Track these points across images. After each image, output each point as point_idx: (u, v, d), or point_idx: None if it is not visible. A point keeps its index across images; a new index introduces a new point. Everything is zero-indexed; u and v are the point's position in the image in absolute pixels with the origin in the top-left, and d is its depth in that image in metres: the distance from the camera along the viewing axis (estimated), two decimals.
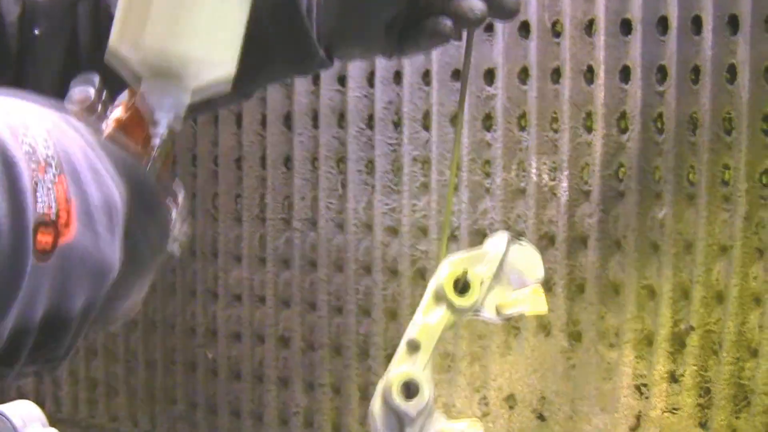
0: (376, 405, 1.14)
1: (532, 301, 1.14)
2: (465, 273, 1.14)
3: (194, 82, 0.93)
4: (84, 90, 0.88)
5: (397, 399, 1.13)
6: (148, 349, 2.31)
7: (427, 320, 1.15)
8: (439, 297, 1.15)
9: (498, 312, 1.17)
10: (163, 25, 0.90)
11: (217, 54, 0.93)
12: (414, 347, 1.15)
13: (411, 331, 1.16)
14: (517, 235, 1.19)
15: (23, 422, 1.14)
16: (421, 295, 1.64)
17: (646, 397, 1.65)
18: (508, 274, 1.16)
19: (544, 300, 1.15)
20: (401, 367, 1.14)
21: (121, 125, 0.87)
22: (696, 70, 1.61)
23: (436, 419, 1.15)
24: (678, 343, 1.61)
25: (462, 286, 1.14)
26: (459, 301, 1.14)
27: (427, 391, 1.14)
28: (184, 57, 0.91)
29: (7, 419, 1.14)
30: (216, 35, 0.92)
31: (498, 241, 1.17)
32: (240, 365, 2.16)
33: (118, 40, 0.91)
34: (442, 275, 1.15)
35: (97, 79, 0.89)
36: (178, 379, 2.26)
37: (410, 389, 1.13)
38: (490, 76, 1.84)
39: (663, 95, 1.65)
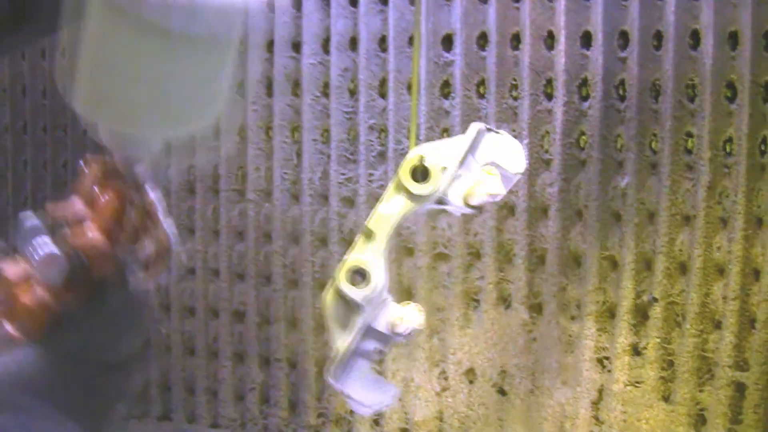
0: (328, 293, 1.10)
1: (488, 183, 1.11)
2: (422, 159, 1.10)
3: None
4: None
5: (345, 286, 1.09)
6: None
7: (383, 209, 1.11)
8: (399, 186, 1.11)
9: (465, 202, 1.13)
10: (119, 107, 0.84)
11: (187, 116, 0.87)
12: (369, 236, 1.12)
13: (368, 221, 1.12)
14: (494, 127, 1.15)
15: None
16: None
17: (609, 371, 1.62)
18: (481, 164, 1.12)
19: (497, 180, 1.11)
20: (353, 255, 1.11)
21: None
22: (658, 36, 1.58)
23: (392, 308, 1.11)
24: (641, 315, 1.58)
25: (423, 174, 1.11)
26: (416, 188, 1.11)
27: (376, 279, 1.10)
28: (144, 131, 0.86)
29: None
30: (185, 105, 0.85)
31: (470, 130, 1.13)
32: (194, 340, 2.11)
33: (82, 104, 0.83)
34: (402, 163, 1.11)
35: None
36: None
37: (363, 277, 1.10)
38: (448, 41, 1.80)
39: (625, 61, 1.62)
